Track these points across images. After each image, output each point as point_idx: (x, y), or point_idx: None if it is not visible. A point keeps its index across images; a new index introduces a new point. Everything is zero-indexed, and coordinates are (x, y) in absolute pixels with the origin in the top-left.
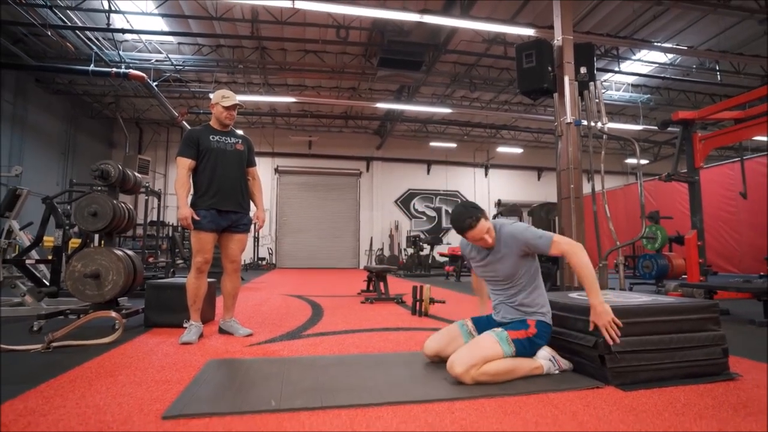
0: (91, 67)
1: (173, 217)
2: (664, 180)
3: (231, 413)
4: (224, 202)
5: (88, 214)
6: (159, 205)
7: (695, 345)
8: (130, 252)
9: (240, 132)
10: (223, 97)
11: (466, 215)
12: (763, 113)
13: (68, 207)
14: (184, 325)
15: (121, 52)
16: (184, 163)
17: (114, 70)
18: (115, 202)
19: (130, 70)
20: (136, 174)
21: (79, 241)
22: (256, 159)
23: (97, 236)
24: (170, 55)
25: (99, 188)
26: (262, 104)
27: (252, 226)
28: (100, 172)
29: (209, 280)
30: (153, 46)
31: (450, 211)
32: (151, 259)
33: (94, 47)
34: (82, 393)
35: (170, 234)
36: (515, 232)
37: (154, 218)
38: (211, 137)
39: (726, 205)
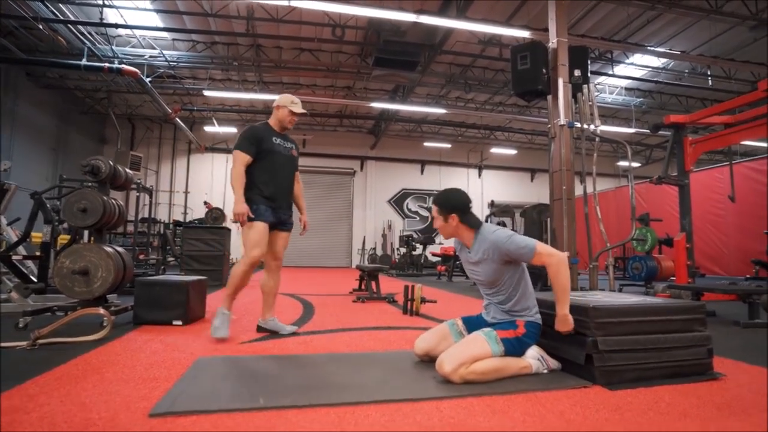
0: (84, 62)
1: (165, 214)
2: (654, 183)
3: (219, 411)
4: (279, 203)
5: (78, 210)
6: (150, 202)
7: (681, 345)
8: (120, 249)
9: (292, 137)
10: (292, 102)
11: (437, 196)
12: (752, 118)
13: (57, 203)
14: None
15: (114, 47)
16: (243, 159)
17: (107, 65)
18: (105, 198)
19: (123, 66)
20: (128, 170)
21: (69, 237)
22: None
23: (86, 232)
24: (164, 51)
25: (89, 184)
26: (257, 102)
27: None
28: (91, 168)
29: (201, 277)
30: (147, 41)
31: None
32: (141, 257)
33: (86, 42)
34: (67, 390)
35: (162, 231)
36: (498, 242)
37: (146, 215)
38: (273, 139)
39: (715, 208)
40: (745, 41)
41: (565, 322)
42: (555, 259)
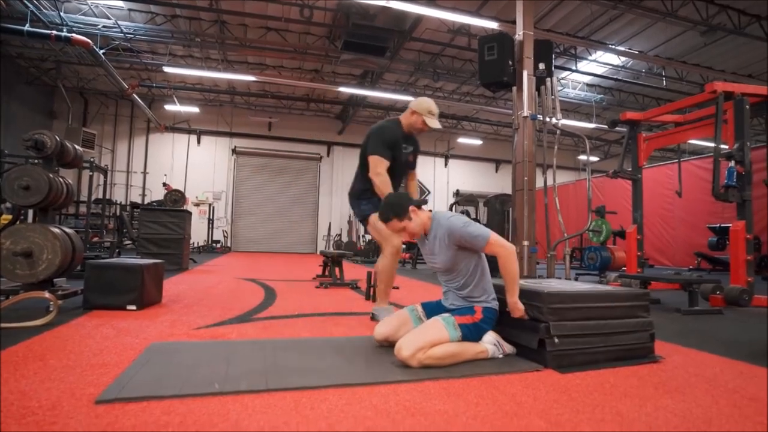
0: (27, 27)
1: (122, 196)
2: (610, 176)
3: (171, 397)
4: None
5: (19, 187)
6: (105, 182)
7: (626, 330)
8: (68, 230)
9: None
10: (429, 113)
11: (389, 210)
12: (699, 118)
13: None
14: (375, 312)
15: (62, 14)
16: (386, 165)
17: (54, 32)
18: (51, 175)
19: (74, 35)
20: (77, 147)
21: (11, 217)
22: (213, 139)
23: (30, 212)
24: (120, 22)
25: (35, 161)
26: (220, 81)
27: None
28: (34, 143)
29: (158, 261)
30: (100, 10)
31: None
32: (96, 239)
33: (30, 5)
34: (4, 379)
35: (118, 213)
36: (453, 228)
37: (100, 196)
38: (403, 146)
39: (664, 202)
40: (697, 45)
41: (515, 308)
42: (505, 250)
